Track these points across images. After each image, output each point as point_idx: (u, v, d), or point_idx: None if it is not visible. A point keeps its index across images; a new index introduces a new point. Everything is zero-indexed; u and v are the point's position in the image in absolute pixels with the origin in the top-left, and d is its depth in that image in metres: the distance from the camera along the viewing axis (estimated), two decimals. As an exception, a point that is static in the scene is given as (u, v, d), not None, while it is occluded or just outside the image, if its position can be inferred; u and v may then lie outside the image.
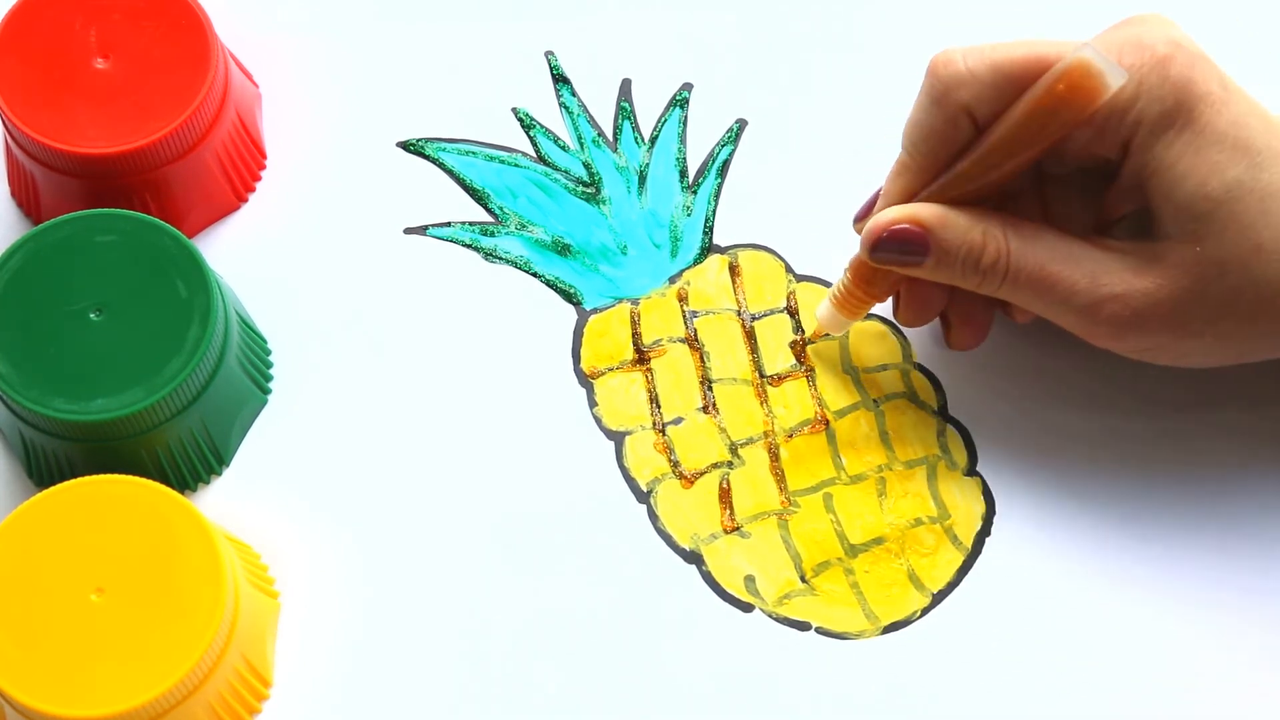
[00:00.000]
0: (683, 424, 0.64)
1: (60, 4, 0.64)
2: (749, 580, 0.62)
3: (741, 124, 0.69)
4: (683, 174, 0.68)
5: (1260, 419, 0.64)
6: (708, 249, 0.67)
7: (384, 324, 0.66)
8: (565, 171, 0.68)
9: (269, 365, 0.65)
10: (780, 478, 0.64)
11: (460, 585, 0.62)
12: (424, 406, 0.64)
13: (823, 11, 0.71)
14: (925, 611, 0.62)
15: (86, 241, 0.61)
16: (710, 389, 0.65)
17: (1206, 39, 0.59)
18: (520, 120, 0.69)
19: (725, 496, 0.63)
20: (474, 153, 0.69)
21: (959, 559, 0.63)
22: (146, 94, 0.63)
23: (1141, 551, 0.62)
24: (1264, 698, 0.60)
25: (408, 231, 0.67)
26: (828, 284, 0.66)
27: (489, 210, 0.68)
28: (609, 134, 0.69)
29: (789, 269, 0.67)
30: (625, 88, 0.70)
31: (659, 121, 0.69)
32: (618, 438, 0.64)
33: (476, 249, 0.67)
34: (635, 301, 0.66)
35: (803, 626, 0.62)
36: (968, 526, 0.63)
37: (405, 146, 0.69)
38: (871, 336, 0.66)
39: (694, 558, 0.63)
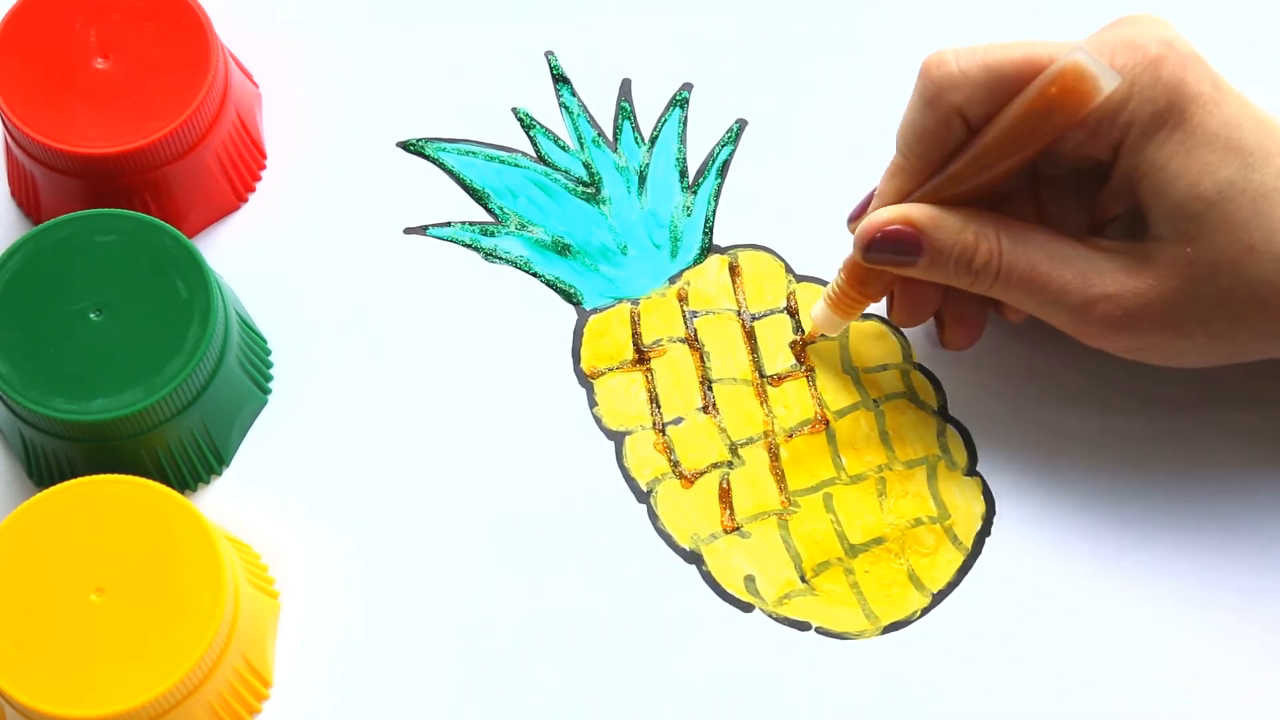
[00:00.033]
0: (683, 424, 0.64)
1: (60, 4, 0.64)
2: (749, 580, 0.62)
3: (741, 124, 0.69)
4: (683, 174, 0.68)
5: (1260, 419, 0.64)
6: (708, 249, 0.67)
7: (384, 324, 0.66)
8: (565, 171, 0.68)
9: (269, 365, 0.65)
10: (780, 478, 0.64)
11: (460, 585, 0.62)
12: (424, 406, 0.64)
13: (823, 11, 0.71)
14: (925, 611, 0.62)
15: (86, 241, 0.61)
16: (710, 389, 0.65)
17: (1201, 38, 0.59)
18: (520, 120, 0.69)
19: (725, 496, 0.63)
20: (474, 153, 0.69)
21: (959, 559, 0.63)
22: (146, 94, 0.63)
23: (1142, 551, 0.62)
24: (1263, 697, 0.60)
25: (408, 231, 0.67)
26: (827, 284, 0.66)
27: (489, 210, 0.68)
28: (609, 134, 0.69)
29: (789, 269, 0.67)
30: (625, 88, 0.70)
31: (659, 121, 0.69)
32: (618, 438, 0.64)
33: (476, 249, 0.67)
34: (635, 301, 0.66)
35: (803, 626, 0.62)
36: (968, 526, 0.63)
37: (405, 146, 0.69)
38: (871, 336, 0.66)
39: (694, 558, 0.63)
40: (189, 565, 0.56)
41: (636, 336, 0.66)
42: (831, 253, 0.66)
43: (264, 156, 0.68)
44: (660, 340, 0.66)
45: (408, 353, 0.65)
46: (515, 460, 0.64)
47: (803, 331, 0.66)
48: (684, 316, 0.66)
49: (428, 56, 0.70)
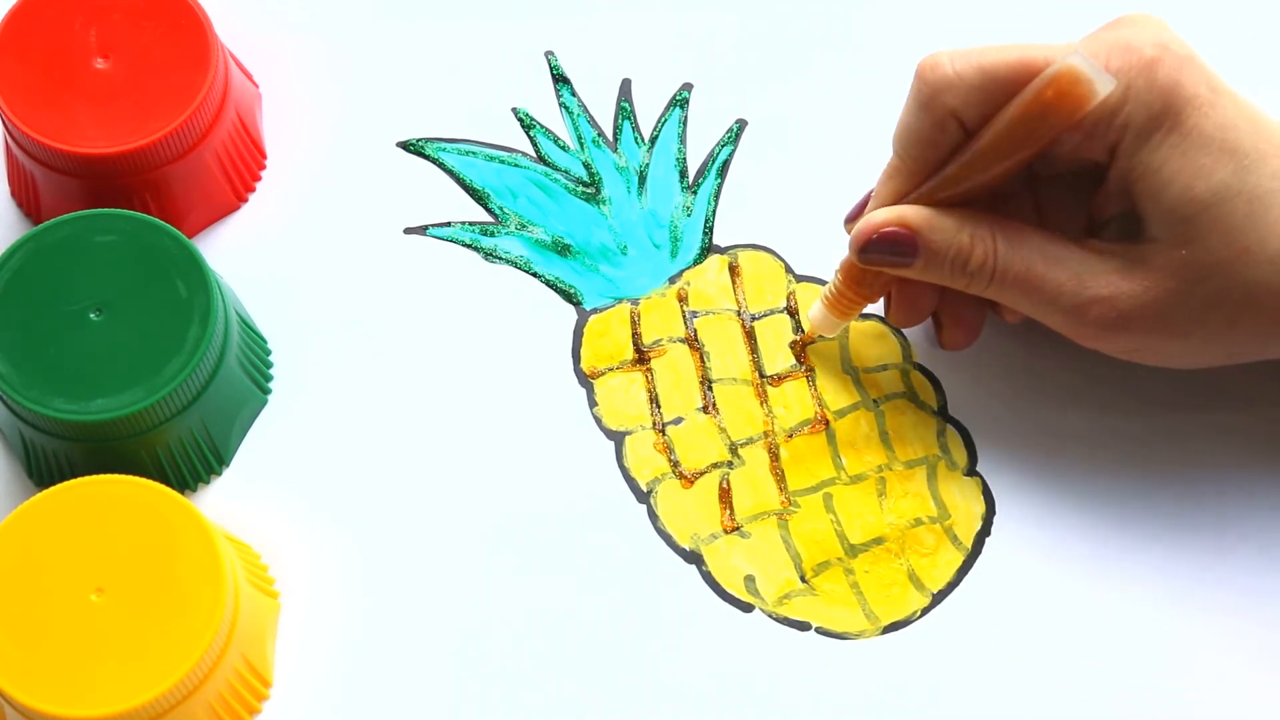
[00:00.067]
0: (683, 424, 0.64)
1: (60, 4, 0.64)
2: (749, 580, 0.62)
3: (741, 124, 0.69)
4: (683, 174, 0.68)
5: (1258, 420, 0.64)
6: (708, 249, 0.67)
7: (384, 324, 0.66)
8: (565, 171, 0.68)
9: (269, 365, 0.65)
10: (780, 478, 0.64)
11: (460, 585, 0.62)
12: (424, 406, 0.64)
13: (823, 11, 0.71)
14: (925, 611, 0.62)
15: (86, 241, 0.61)
16: (710, 389, 0.65)
17: (1199, 37, 0.59)
18: (520, 120, 0.69)
19: (725, 496, 0.63)
20: (474, 153, 0.69)
21: (959, 559, 0.63)
22: (146, 94, 0.63)
23: (1141, 551, 0.62)
24: (1262, 696, 0.60)
25: (408, 231, 0.67)
26: (827, 284, 0.66)
27: (489, 210, 0.68)
28: (609, 134, 0.69)
29: (789, 269, 0.67)
30: (625, 88, 0.70)
31: (659, 121, 0.69)
32: (618, 438, 0.64)
33: (476, 249, 0.67)
34: (635, 301, 0.66)
35: (803, 626, 0.62)
36: (968, 526, 0.63)
37: (405, 146, 0.69)
38: (871, 336, 0.66)
39: (694, 558, 0.63)
40: (189, 565, 0.56)
41: (636, 336, 0.66)
42: (831, 253, 0.65)
43: (264, 156, 0.68)
44: (660, 340, 0.66)
45: (408, 353, 0.65)
46: (515, 460, 0.64)
47: (802, 332, 0.66)
48: (684, 316, 0.66)
49: (428, 56, 0.70)
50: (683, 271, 0.67)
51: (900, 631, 0.62)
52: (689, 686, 0.61)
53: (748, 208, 0.68)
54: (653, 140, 0.69)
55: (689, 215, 0.68)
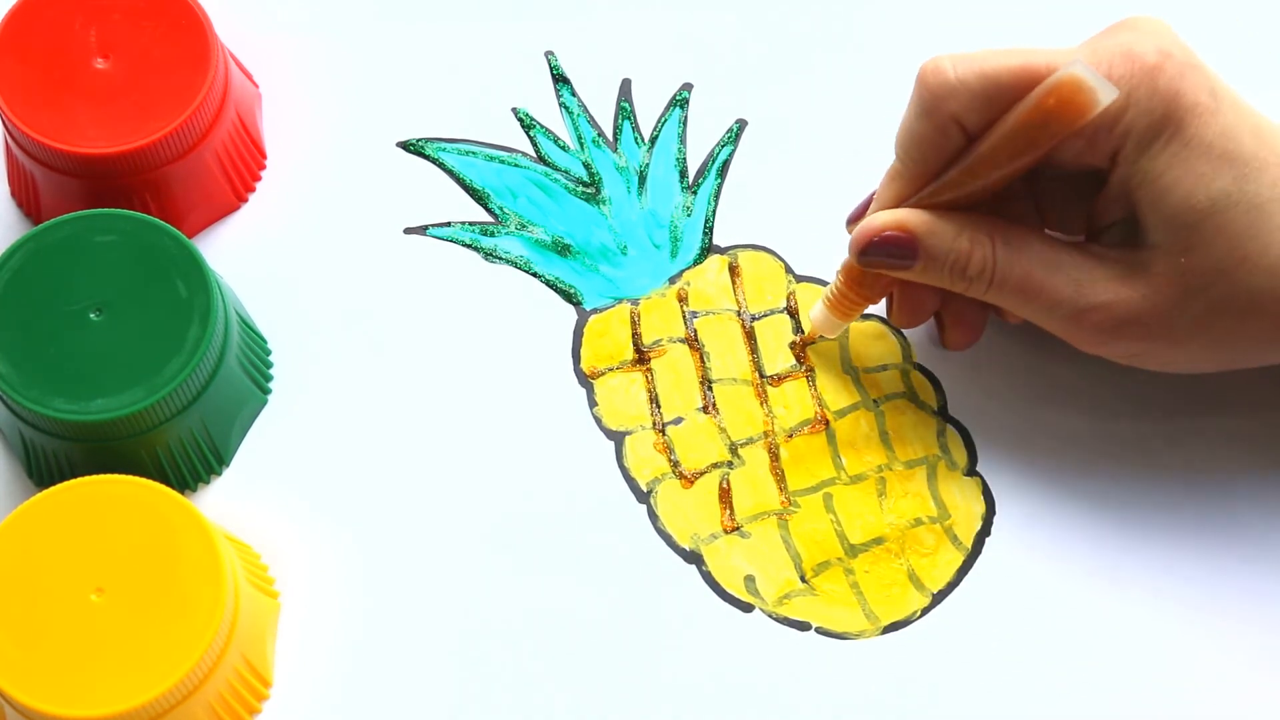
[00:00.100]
0: (683, 424, 0.64)
1: (60, 4, 0.64)
2: (749, 580, 0.62)
3: (741, 124, 0.69)
4: (683, 174, 0.68)
5: (1260, 424, 0.64)
6: (708, 249, 0.67)
7: (384, 324, 0.66)
8: (565, 171, 0.68)
9: (269, 365, 0.65)
10: (780, 478, 0.64)
11: (460, 585, 0.62)
12: (424, 406, 0.64)
13: (823, 11, 0.71)
14: (925, 611, 0.62)
15: (86, 241, 0.61)
16: (710, 389, 0.65)
17: (1202, 38, 0.59)
18: (520, 120, 0.69)
19: (725, 496, 0.63)
20: (474, 153, 0.69)
21: (959, 559, 0.63)
22: (146, 94, 0.63)
23: (1141, 552, 0.62)
24: (1261, 696, 0.60)
25: (408, 231, 0.67)
26: (827, 284, 0.66)
27: (489, 210, 0.68)
28: (609, 134, 0.69)
29: (789, 269, 0.67)
30: (625, 88, 0.70)
31: (659, 121, 0.69)
32: (618, 438, 0.64)
33: (476, 249, 0.67)
34: (635, 301, 0.66)
35: (803, 626, 0.62)
36: (968, 526, 0.63)
37: (405, 146, 0.69)
38: (871, 336, 0.66)
39: (694, 558, 0.63)
40: (189, 565, 0.56)
41: (636, 336, 0.66)
42: (831, 253, 0.65)
43: (264, 156, 0.68)
44: (660, 340, 0.66)
45: (408, 353, 0.65)
46: (515, 460, 0.64)
47: (802, 332, 0.66)
48: (684, 316, 0.66)
49: (428, 56, 0.70)
50: (683, 271, 0.67)
51: (900, 631, 0.62)
52: (689, 686, 0.61)
53: (748, 208, 0.68)
54: (653, 140, 0.69)
55: (689, 215, 0.68)
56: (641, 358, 0.66)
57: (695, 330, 0.66)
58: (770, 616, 0.62)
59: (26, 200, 0.67)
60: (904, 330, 0.66)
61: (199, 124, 0.64)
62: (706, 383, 0.65)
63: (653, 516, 0.63)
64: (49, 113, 0.63)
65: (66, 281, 0.61)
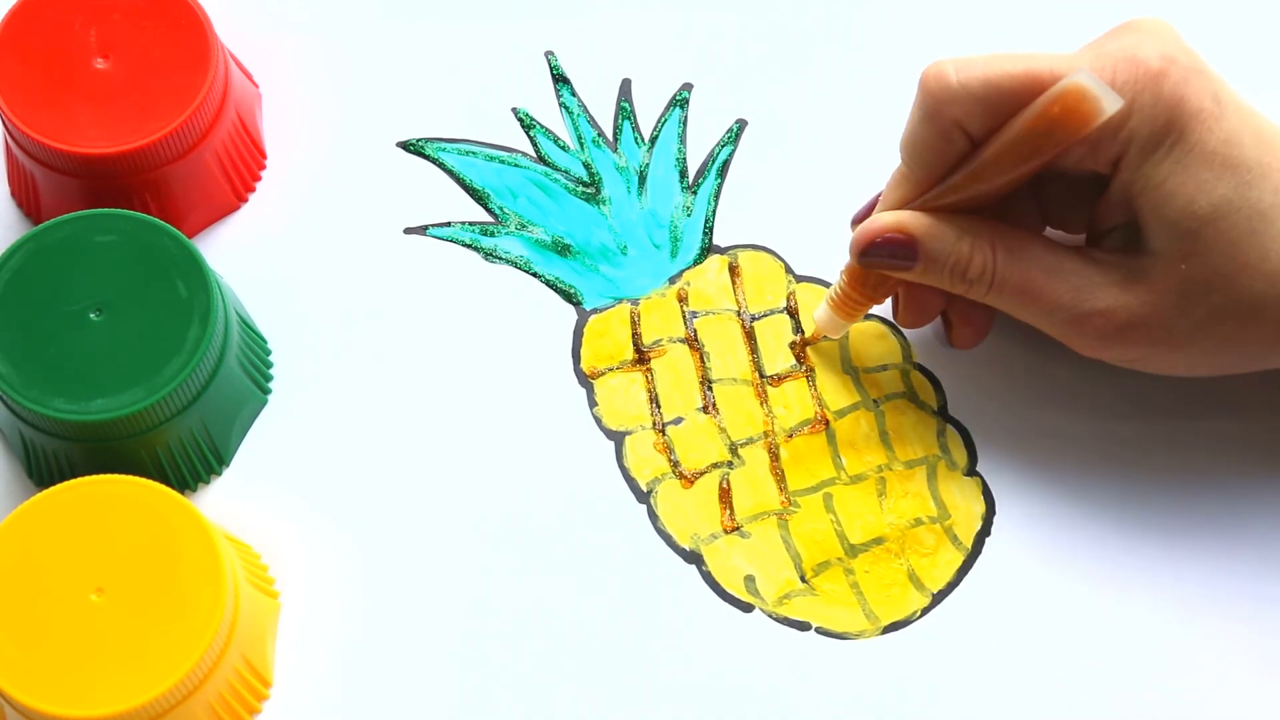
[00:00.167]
0: (683, 424, 0.64)
1: (60, 4, 0.64)
2: (749, 580, 0.62)
3: (741, 124, 0.69)
4: (683, 174, 0.68)
5: (1260, 427, 0.64)
6: (708, 249, 0.67)
7: (384, 324, 0.66)
8: (565, 171, 0.68)
9: (269, 365, 0.65)
10: (780, 478, 0.64)
11: (460, 585, 0.62)
12: (424, 406, 0.64)
13: (823, 11, 0.71)
14: (925, 611, 0.62)
15: (86, 241, 0.61)
16: (710, 389, 0.65)
17: (1206, 39, 0.59)
18: (520, 120, 0.69)
19: (725, 496, 0.63)
20: (474, 153, 0.69)
21: (959, 559, 0.63)
22: (146, 94, 0.63)
23: (1141, 552, 0.62)
24: (1260, 696, 0.60)
25: (408, 231, 0.67)
26: (827, 284, 0.66)
27: (489, 210, 0.68)
28: (609, 134, 0.69)
29: (789, 269, 0.67)
30: (625, 88, 0.70)
31: (659, 121, 0.69)
32: (618, 438, 0.64)
33: (476, 249, 0.67)
34: (635, 302, 0.66)
35: (803, 626, 0.62)
36: (968, 526, 0.63)
37: (405, 146, 0.69)
38: (871, 336, 0.66)
39: (694, 558, 0.63)
40: (189, 565, 0.56)
41: (636, 336, 0.66)
42: (832, 253, 0.66)
43: (264, 156, 0.68)
44: (660, 340, 0.66)
45: (408, 353, 0.65)
46: (515, 460, 0.64)
47: (802, 332, 0.66)
48: (684, 316, 0.66)
49: (428, 56, 0.70)
50: (683, 271, 0.67)
51: (900, 631, 0.62)
52: (689, 686, 0.61)
53: (748, 208, 0.68)
54: (653, 140, 0.69)
55: (689, 215, 0.68)
56: (641, 358, 0.66)
57: (695, 330, 0.66)
58: (770, 616, 0.62)
59: (26, 200, 0.67)
60: (905, 330, 0.66)
61: (199, 124, 0.64)
62: (706, 383, 0.65)
63: (653, 516, 0.63)
64: (49, 113, 0.63)
65: (66, 281, 0.61)
